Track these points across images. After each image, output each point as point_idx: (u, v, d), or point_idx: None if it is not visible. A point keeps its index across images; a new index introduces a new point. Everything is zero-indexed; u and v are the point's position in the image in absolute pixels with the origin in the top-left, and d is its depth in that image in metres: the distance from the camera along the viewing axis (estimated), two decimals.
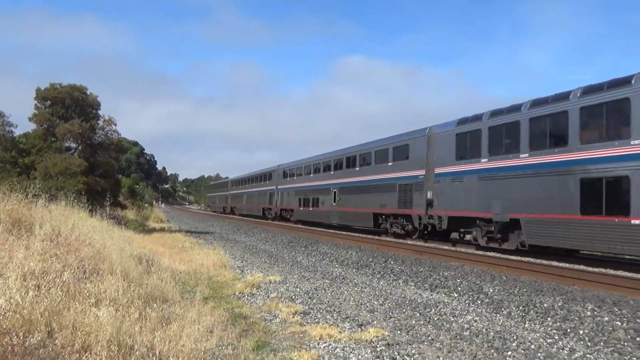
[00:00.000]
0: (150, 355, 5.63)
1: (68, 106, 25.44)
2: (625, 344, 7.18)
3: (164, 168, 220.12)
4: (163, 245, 19.28)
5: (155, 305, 7.69)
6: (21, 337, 5.30)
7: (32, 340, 5.29)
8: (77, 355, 5.24)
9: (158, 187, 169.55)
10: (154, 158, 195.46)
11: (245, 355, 6.19)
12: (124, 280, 8.28)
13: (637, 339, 7.34)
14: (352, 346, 6.88)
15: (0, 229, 10.41)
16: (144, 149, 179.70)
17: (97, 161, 26.31)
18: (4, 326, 5.45)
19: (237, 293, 10.70)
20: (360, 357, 6.43)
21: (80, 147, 26.23)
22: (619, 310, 8.93)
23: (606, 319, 8.38)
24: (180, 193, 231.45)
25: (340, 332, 7.53)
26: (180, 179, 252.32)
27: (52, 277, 7.43)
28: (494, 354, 6.75)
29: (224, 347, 6.48)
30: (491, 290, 10.97)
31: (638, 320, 8.22)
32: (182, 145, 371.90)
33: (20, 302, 6.09)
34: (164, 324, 6.92)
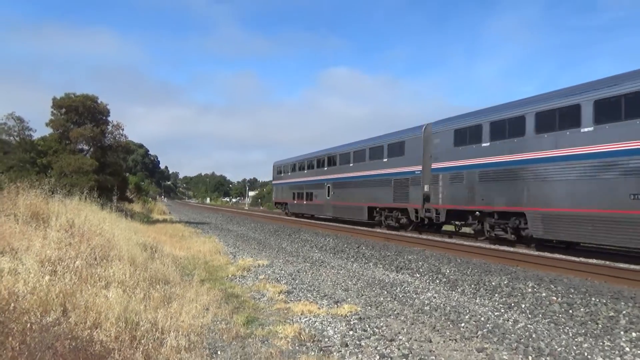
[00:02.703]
0: (154, 330, 5.57)
1: (81, 113, 25.01)
2: (560, 315, 7.30)
3: (166, 167, 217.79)
4: (165, 235, 19.06)
5: (158, 286, 7.60)
6: (38, 316, 5.20)
7: (48, 318, 5.20)
8: (89, 331, 5.16)
9: (161, 184, 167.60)
10: (157, 158, 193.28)
11: (236, 329, 6.15)
12: (130, 265, 8.18)
13: (570, 311, 7.47)
14: (329, 320, 6.88)
15: (20, 220, 10.20)
16: (148, 150, 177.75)
17: (106, 161, 25.92)
18: (23, 306, 5.34)
19: (230, 275, 10.63)
20: (336, 329, 6.44)
21: (91, 149, 25.82)
22: (555, 287, 9.08)
23: (544, 294, 8.51)
24: (180, 189, 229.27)
25: (319, 308, 7.52)
26: (181, 176, 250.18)
27: (67, 263, 7.31)
28: (450, 325, 6.81)
29: (218, 322, 6.44)
30: (448, 271, 11.06)
31: (571, 295, 8.37)
32: (183, 147, 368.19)
33: (37, 286, 5.97)
34: (165, 303, 6.85)
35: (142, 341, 5.14)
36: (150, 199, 59.82)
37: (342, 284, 9.84)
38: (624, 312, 7.21)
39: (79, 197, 15.36)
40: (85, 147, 25.84)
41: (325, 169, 32.51)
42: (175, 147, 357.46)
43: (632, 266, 12.27)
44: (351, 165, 28.63)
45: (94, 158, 24.38)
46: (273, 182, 45.35)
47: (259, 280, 10.03)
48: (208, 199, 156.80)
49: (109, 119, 26.45)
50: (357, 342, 5.87)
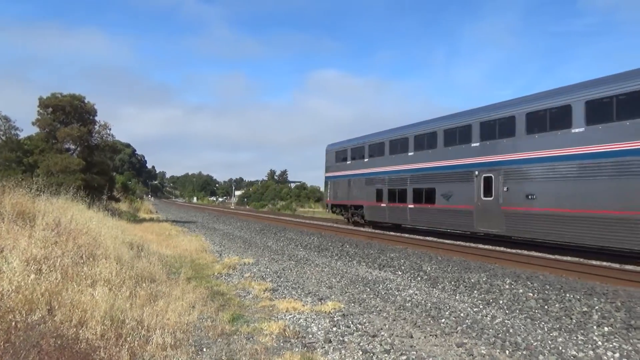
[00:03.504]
0: (140, 328, 5.51)
1: (68, 113, 24.66)
2: (536, 311, 7.40)
3: (153, 166, 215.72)
4: (152, 233, 18.86)
5: (144, 284, 7.52)
6: (24, 315, 5.10)
7: (33, 317, 5.10)
8: (75, 329, 5.07)
9: (148, 183, 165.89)
10: (144, 158, 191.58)
11: (222, 326, 6.11)
12: (116, 264, 8.06)
13: (545, 306, 7.57)
14: (313, 317, 6.88)
15: (6, 219, 9.99)
16: (135, 150, 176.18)
17: (93, 161, 25.58)
18: (8, 305, 5.23)
19: (216, 273, 10.57)
20: (320, 326, 6.43)
21: (78, 149, 25.45)
22: (531, 283, 9.19)
23: (521, 291, 8.61)
24: (167, 188, 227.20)
25: (303, 305, 7.51)
26: (168, 176, 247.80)
27: (52, 261, 7.18)
28: (431, 321, 6.86)
29: (204, 320, 6.39)
30: (429, 269, 11.14)
31: (546, 291, 8.48)
32: (172, 147, 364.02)
33: (23, 284, 5.85)
34: (152, 301, 6.78)
35: (128, 339, 5.08)
36: (137, 198, 59.14)
37: (326, 281, 9.84)
38: (597, 307, 7.33)
39: (66, 196, 15.10)
40: (72, 147, 25.46)
41: (488, 143, 16.63)
42: (163, 147, 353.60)
43: (604, 263, 12.50)
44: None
45: (81, 157, 24.04)
46: (327, 175, 29.78)
47: (245, 278, 9.98)
48: (195, 198, 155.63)
49: (97, 118, 26.14)
50: (341, 338, 5.87)
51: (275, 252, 14.62)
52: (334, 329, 6.30)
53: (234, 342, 5.57)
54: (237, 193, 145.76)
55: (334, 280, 9.98)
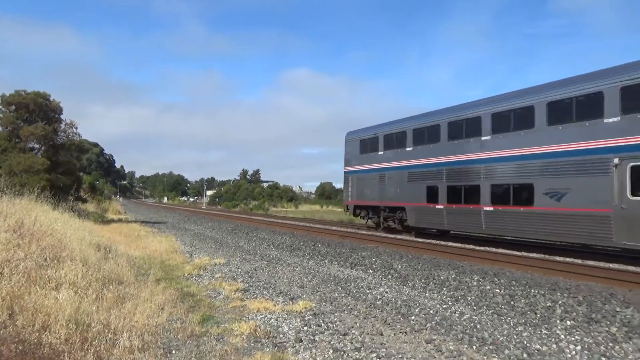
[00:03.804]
0: (106, 331, 5.38)
1: (32, 111, 23.84)
2: (503, 306, 7.57)
3: (122, 166, 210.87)
4: (120, 234, 18.46)
5: (111, 287, 7.35)
6: None
7: None
8: (37, 334, 4.92)
9: (116, 183, 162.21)
10: (112, 157, 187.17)
11: (192, 327, 6.03)
12: (83, 266, 7.86)
13: (512, 302, 7.76)
14: (284, 316, 6.86)
15: None
16: (103, 150, 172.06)
17: (59, 160, 24.78)
18: None
19: (186, 274, 10.42)
20: (291, 325, 6.42)
21: (43, 148, 24.65)
22: (498, 280, 9.41)
23: (488, 287, 8.79)
24: (136, 188, 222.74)
25: (274, 305, 7.48)
26: (137, 175, 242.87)
27: (15, 264, 6.94)
28: (401, 318, 6.93)
29: (173, 322, 6.29)
30: (400, 267, 11.25)
31: (512, 287, 8.69)
32: (142, 146, 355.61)
33: None
34: (119, 303, 6.63)
35: (94, 343, 4.95)
36: (105, 198, 57.74)
37: (298, 281, 9.83)
38: (560, 302, 7.56)
39: (30, 197, 14.63)
40: (37, 146, 24.63)
41: None
42: (133, 146, 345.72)
43: (568, 259, 12.90)
44: None
45: (46, 157, 23.29)
46: (347, 170, 24.50)
47: (215, 279, 9.88)
48: (165, 198, 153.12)
49: (62, 117, 25.37)
50: (311, 337, 5.88)
51: (247, 252, 14.52)
52: (305, 328, 6.30)
53: (203, 344, 5.50)
54: (209, 193, 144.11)
55: (305, 279, 9.97)
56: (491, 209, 15.51)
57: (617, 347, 5.60)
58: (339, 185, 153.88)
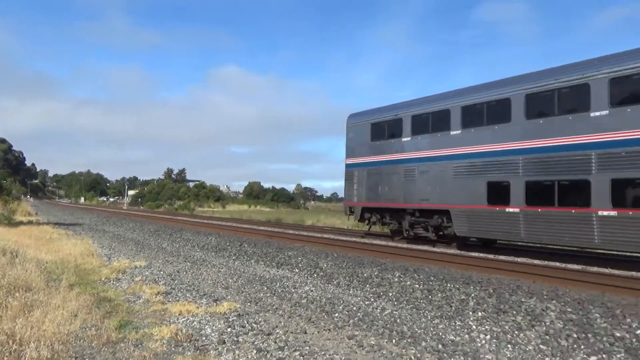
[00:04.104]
0: (11, 342, 5.00)
1: None
2: (421, 301, 7.91)
3: (33, 164, 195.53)
4: (30, 237, 17.15)
5: (17, 294, 6.83)
6: None
7: None
8: None
9: (27, 183, 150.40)
10: (22, 155, 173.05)
11: (108, 334, 5.74)
12: None
13: (429, 296, 8.13)
14: (207, 319, 6.72)
15: None
16: (12, 146, 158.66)
17: None
18: None
19: (103, 279, 9.89)
20: (214, 327, 6.31)
21: None
22: (418, 275, 9.81)
23: (408, 283, 9.14)
24: (50, 188, 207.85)
25: (197, 308, 7.31)
26: (51, 174, 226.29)
27: None
28: (325, 316, 7.04)
29: (87, 329, 5.95)
30: (325, 265, 11.40)
31: (430, 282, 9.10)
32: (56, 143, 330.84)
33: None
34: (26, 312, 6.18)
35: None
36: (13, 199, 53.34)
37: (223, 282, 9.68)
38: (473, 295, 8.03)
39: None
40: None
41: None
42: (46, 143, 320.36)
43: (481, 254, 13.75)
44: None
45: None
46: (350, 162, 19.88)
47: (135, 282, 9.47)
48: (82, 199, 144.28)
49: None
50: (235, 339, 5.81)
51: (170, 254, 14.05)
52: (229, 329, 6.22)
53: (120, 351, 5.26)
54: (131, 193, 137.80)
55: (230, 280, 9.84)
56: (613, 213, 11.13)
57: (522, 334, 6.06)
58: (267, 184, 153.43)
